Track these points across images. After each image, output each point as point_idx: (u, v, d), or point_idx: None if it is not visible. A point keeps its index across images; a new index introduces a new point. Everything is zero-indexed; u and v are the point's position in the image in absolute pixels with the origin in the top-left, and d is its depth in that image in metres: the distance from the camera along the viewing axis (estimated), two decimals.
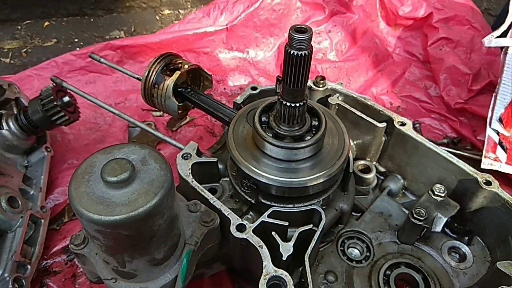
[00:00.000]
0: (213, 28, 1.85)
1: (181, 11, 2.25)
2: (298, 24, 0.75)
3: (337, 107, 1.20)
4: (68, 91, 1.33)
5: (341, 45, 1.96)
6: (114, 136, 1.60)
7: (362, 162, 1.22)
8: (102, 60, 1.42)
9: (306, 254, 0.87)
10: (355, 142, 1.23)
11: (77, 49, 1.86)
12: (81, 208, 0.67)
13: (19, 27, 2.11)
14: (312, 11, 1.97)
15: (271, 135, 0.90)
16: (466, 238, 1.09)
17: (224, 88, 1.83)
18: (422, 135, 1.29)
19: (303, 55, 0.75)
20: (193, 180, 0.97)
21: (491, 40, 1.49)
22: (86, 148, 1.55)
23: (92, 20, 2.17)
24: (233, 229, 0.87)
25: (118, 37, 2.06)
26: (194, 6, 2.25)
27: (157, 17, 2.22)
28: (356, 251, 1.07)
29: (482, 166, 1.38)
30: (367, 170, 1.21)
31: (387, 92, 1.85)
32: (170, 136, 1.63)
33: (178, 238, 0.85)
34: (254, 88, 1.25)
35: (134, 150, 0.74)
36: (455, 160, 1.06)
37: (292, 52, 0.75)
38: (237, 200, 1.04)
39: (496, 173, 1.40)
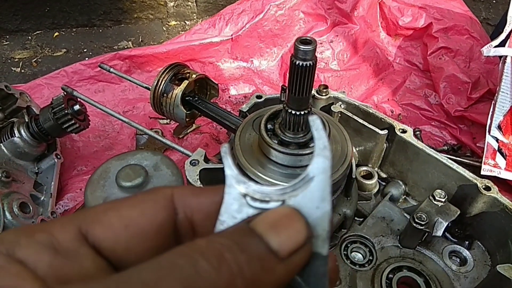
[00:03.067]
0: (219, 38, 1.90)
1: (188, 22, 2.30)
2: (303, 36, 0.79)
3: (339, 115, 1.24)
4: (79, 99, 1.37)
5: (342, 54, 2.01)
6: (122, 143, 1.64)
7: (364, 168, 1.26)
8: (111, 69, 1.47)
9: None
10: (357, 149, 1.27)
11: (86, 59, 1.92)
12: None
13: (30, 37, 2.17)
14: (315, 22, 2.02)
15: (276, 142, 0.93)
16: (467, 242, 1.11)
17: (229, 97, 1.87)
18: (422, 142, 1.32)
19: (308, 65, 0.79)
20: (201, 185, 1.00)
21: (490, 50, 1.53)
22: (95, 155, 1.58)
23: (100, 30, 2.23)
24: None
25: (126, 47, 2.11)
26: (200, 17, 2.31)
27: (164, 28, 2.28)
28: (359, 255, 1.10)
29: (482, 173, 1.40)
30: (369, 176, 1.24)
31: (388, 100, 1.88)
32: (176, 143, 1.67)
33: None
34: (259, 97, 1.29)
35: (147, 156, 0.79)
36: (455, 166, 1.09)
37: (297, 62, 0.79)
38: None
39: (495, 179, 1.43)
